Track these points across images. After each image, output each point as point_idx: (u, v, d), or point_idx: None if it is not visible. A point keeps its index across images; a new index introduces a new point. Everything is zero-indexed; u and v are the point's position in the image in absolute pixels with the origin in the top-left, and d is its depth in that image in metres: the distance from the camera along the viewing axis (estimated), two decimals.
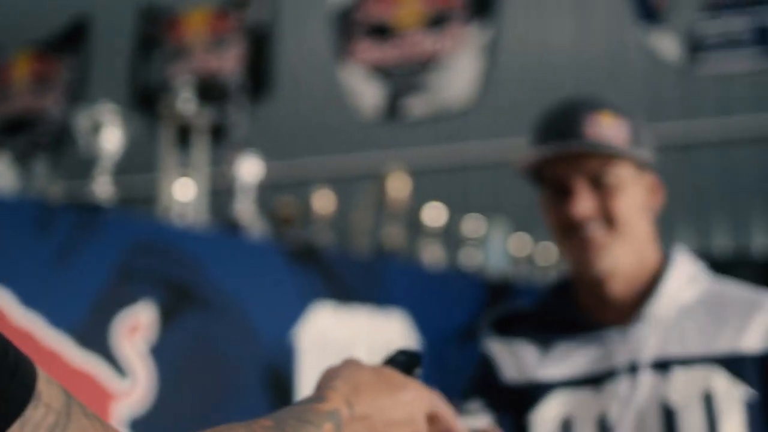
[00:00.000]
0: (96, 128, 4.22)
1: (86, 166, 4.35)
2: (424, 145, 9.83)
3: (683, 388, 1.97)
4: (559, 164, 2.03)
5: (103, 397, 3.90)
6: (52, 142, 10.86)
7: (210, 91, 10.50)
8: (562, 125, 2.02)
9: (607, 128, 1.99)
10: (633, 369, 2.04)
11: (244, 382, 4.24)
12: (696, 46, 8.54)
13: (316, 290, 4.69)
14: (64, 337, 3.82)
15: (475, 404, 1.98)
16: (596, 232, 2.02)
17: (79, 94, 11.25)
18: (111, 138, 4.23)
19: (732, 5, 8.50)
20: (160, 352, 4.02)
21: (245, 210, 4.96)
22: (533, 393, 2.12)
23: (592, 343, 2.11)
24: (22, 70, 11.67)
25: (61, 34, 11.54)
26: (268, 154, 6.72)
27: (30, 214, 3.78)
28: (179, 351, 4.04)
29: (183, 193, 4.79)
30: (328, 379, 1.32)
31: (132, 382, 3.95)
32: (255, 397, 4.31)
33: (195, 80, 5.36)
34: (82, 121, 4.25)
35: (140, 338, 3.99)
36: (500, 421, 2.07)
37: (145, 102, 10.53)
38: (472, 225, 7.25)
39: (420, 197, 9.10)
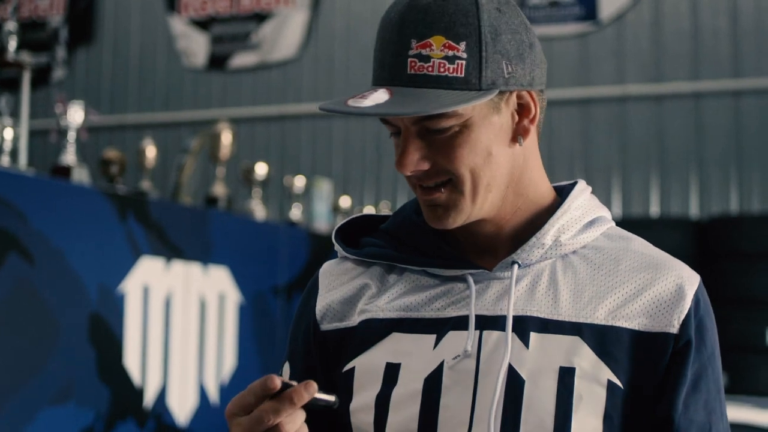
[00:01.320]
0: None
1: None
2: (249, 97, 9.80)
3: (538, 357, 1.61)
4: None
5: None
6: None
7: (33, 34, 10.23)
8: (385, 56, 1.60)
9: (438, 61, 1.56)
10: (485, 324, 1.64)
11: (67, 330, 4.16)
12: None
13: (143, 244, 4.63)
14: None
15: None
16: (436, 192, 1.64)
17: None
18: None
19: None
20: None
21: (70, 157, 4.86)
22: (364, 333, 1.71)
23: (444, 282, 1.71)
24: None
25: None
26: (94, 101, 6.61)
27: None
28: (1, 299, 3.94)
29: (6, 136, 4.66)
30: None
31: None
32: (80, 346, 4.24)
33: (19, 23, 5.20)
34: None
35: None
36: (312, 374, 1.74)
37: None
38: (299, 181, 7.27)
39: (248, 151, 9.07)
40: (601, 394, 1.60)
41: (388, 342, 1.69)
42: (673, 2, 8.62)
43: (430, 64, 1.56)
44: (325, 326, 1.76)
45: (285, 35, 9.65)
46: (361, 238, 1.84)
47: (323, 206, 7.39)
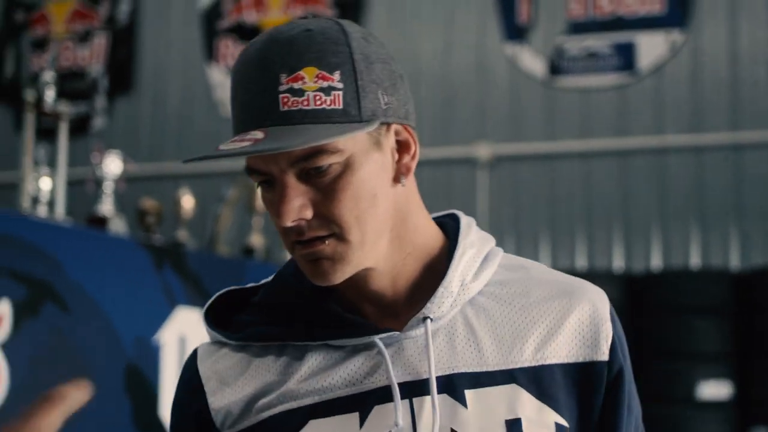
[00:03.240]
0: None
1: None
2: None
3: (480, 416, 1.46)
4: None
5: None
6: None
7: (72, 84, 10.33)
8: (252, 98, 1.43)
9: (312, 93, 1.40)
10: (412, 390, 1.47)
11: (102, 381, 4.15)
12: (558, 62, 8.71)
13: (179, 294, 4.63)
14: None
15: None
16: (320, 244, 1.45)
17: None
18: None
19: (593, 27, 8.72)
20: (14, 349, 3.91)
21: (107, 207, 4.88)
22: (272, 426, 1.50)
23: (353, 354, 1.51)
24: None
25: None
26: (128, 150, 6.64)
27: None
28: (35, 349, 3.94)
29: (44, 186, 4.69)
30: None
31: None
32: (115, 396, 4.23)
33: (58, 73, 5.24)
34: None
35: None
36: None
37: (5, 94, 10.32)
38: None
39: None
40: None
41: (307, 430, 1.48)
42: (711, 52, 8.59)
43: (305, 97, 1.40)
44: (227, 430, 1.53)
45: None
46: (231, 316, 1.61)
47: None
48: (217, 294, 1.63)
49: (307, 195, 1.43)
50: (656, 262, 8.46)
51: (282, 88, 1.41)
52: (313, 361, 1.51)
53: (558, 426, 1.48)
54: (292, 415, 1.48)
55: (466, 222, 1.60)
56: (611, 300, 1.59)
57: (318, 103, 1.40)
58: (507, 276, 1.58)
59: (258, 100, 1.42)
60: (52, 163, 4.98)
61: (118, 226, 4.86)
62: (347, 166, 1.43)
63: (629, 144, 8.65)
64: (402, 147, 1.51)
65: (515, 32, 8.91)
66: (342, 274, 1.46)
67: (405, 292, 1.53)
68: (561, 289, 1.56)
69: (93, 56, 10.56)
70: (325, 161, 1.41)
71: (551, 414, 1.48)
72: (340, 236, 1.44)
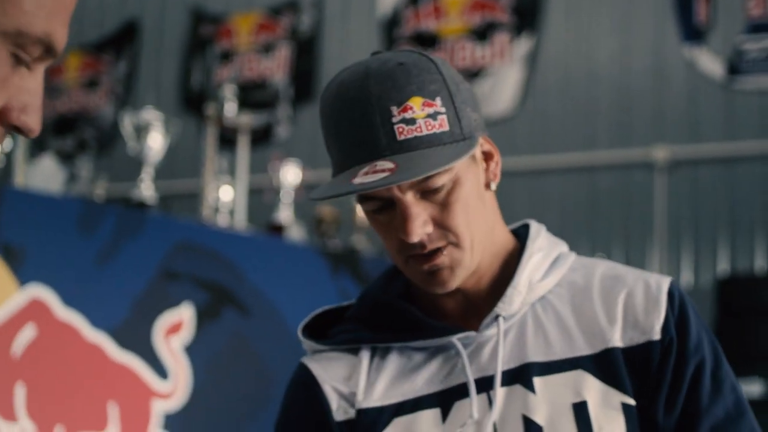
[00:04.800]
0: (141, 131, 4.31)
1: (132, 167, 4.44)
2: None
3: (549, 401, 1.60)
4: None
5: (145, 394, 3.98)
6: (99, 142, 10.98)
7: (256, 95, 10.61)
8: (365, 133, 1.55)
9: (423, 120, 1.54)
10: (487, 384, 1.62)
11: (281, 383, 4.29)
12: (737, 64, 8.56)
13: (354, 296, 4.75)
14: (104, 337, 3.91)
15: None
16: (441, 256, 1.58)
17: (127, 95, 11.40)
18: (155, 141, 4.33)
19: None
20: (197, 351, 4.09)
21: (285, 214, 5.04)
22: (364, 426, 1.65)
23: (435, 354, 1.66)
24: (72, 71, 11.84)
25: (110, 35, 11.69)
26: (310, 159, 6.82)
27: (75, 214, 3.87)
28: (216, 351, 4.11)
29: (225, 195, 4.87)
30: None
31: (173, 382, 4.03)
32: None
33: (241, 84, 5.44)
34: (127, 123, 4.35)
35: (180, 338, 4.07)
36: None
37: (193, 105, 10.64)
38: None
39: None
40: (619, 418, 1.59)
41: (393, 428, 1.63)
42: None
43: (417, 125, 1.54)
44: (339, 418, 1.67)
45: (501, 91, 9.74)
46: (328, 329, 1.77)
47: None
48: (314, 312, 1.81)
49: (426, 212, 1.57)
50: None
51: (395, 119, 1.54)
52: (397, 363, 1.67)
53: (624, 405, 1.60)
54: (379, 413, 1.64)
55: (536, 228, 1.76)
56: None
57: (429, 128, 1.55)
58: (574, 276, 1.71)
59: (373, 133, 1.55)
60: (233, 172, 5.17)
61: (296, 233, 5.01)
62: (456, 182, 1.58)
63: None
64: (486, 156, 1.66)
65: (693, 34, 8.80)
66: (459, 280, 1.62)
67: (486, 290, 1.68)
68: (621, 281, 1.69)
69: (276, 67, 10.82)
70: (441, 181, 1.56)
71: (617, 395, 1.60)
72: (456, 244, 1.59)
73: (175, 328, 4.07)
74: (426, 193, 1.57)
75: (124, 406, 3.94)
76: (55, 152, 9.16)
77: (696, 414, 1.62)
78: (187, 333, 4.09)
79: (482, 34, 9.87)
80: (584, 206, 8.93)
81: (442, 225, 1.58)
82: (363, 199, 1.60)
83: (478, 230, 1.61)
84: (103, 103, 11.56)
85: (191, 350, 4.08)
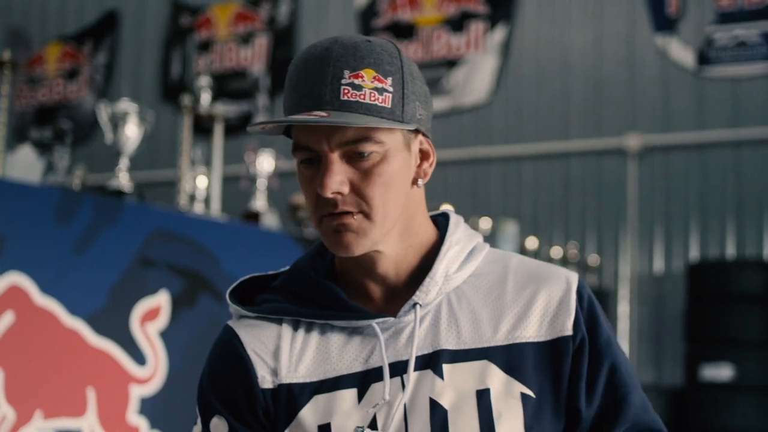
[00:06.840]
0: (117, 121, 4.36)
1: (112, 158, 4.48)
2: (443, 140, 9.94)
3: (455, 387, 1.71)
4: (309, 131, 1.69)
5: (122, 379, 4.04)
6: (76, 132, 11.01)
7: (234, 84, 10.66)
8: (314, 86, 1.68)
9: (369, 90, 1.67)
10: (402, 368, 1.72)
11: None
12: (708, 53, 8.66)
13: None
14: (82, 324, 3.96)
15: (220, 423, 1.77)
16: (350, 219, 1.68)
17: (107, 85, 11.44)
18: (131, 131, 4.38)
19: (742, 16, 8.64)
20: (173, 337, 4.15)
21: (261, 202, 5.10)
22: (285, 399, 1.75)
23: (354, 335, 1.76)
24: (52, 61, 11.87)
25: (91, 25, 11.72)
26: (286, 149, 6.87)
27: (53, 203, 3.92)
28: (192, 337, 4.18)
29: (201, 184, 4.93)
30: None
31: (150, 368, 4.10)
32: None
33: (220, 74, 5.50)
34: (104, 114, 4.40)
35: (156, 324, 4.13)
36: None
37: (172, 95, 10.68)
38: (485, 223, 7.40)
39: (440, 193, 9.23)
40: (517, 406, 1.71)
41: (313, 404, 1.73)
42: None
43: (362, 92, 1.67)
44: (265, 386, 1.76)
45: (476, 80, 9.80)
46: (255, 296, 1.87)
47: (509, 248, 7.48)
48: (241, 279, 1.89)
49: (347, 174, 1.68)
50: None
51: (344, 81, 1.67)
52: (319, 341, 1.77)
53: (524, 396, 1.72)
54: (300, 389, 1.74)
55: (455, 221, 1.87)
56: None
57: (372, 99, 1.68)
58: (489, 268, 1.84)
59: (321, 88, 1.67)
60: (209, 162, 5.22)
61: (270, 221, 5.07)
62: (384, 157, 1.70)
63: None
64: (423, 155, 1.78)
65: (665, 23, 8.90)
66: (361, 248, 1.71)
67: (405, 279, 1.79)
68: (532, 276, 1.82)
69: (255, 56, 10.87)
70: (369, 148, 1.68)
71: (518, 386, 1.72)
72: (367, 214, 1.69)
73: (152, 314, 4.13)
74: (352, 158, 1.68)
75: (102, 391, 3.98)
76: (34, 142, 9.21)
77: (618, 405, 1.77)
78: (163, 319, 4.15)
79: (457, 24, 9.94)
80: (558, 193, 9.02)
81: (358, 192, 1.68)
82: (296, 148, 1.72)
83: (392, 211, 1.71)
84: (83, 93, 11.60)
85: (167, 336, 4.14)
